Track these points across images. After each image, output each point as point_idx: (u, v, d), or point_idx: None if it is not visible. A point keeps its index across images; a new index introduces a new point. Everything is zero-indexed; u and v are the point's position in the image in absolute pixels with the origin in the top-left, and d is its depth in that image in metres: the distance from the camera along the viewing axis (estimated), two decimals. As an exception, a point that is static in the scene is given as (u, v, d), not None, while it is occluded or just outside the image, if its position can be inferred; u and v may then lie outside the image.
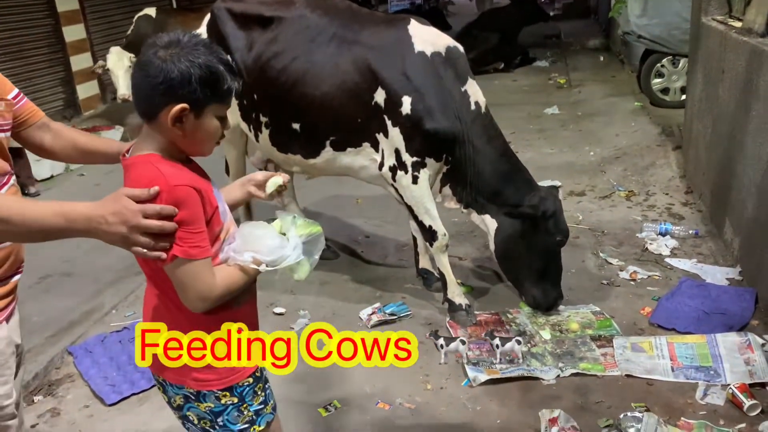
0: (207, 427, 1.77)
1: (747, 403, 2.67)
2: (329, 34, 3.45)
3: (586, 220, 4.79)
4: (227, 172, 4.40)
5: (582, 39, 12.75)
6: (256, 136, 3.82)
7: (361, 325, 3.59)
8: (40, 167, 6.51)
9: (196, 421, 1.78)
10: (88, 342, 3.60)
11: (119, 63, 7.56)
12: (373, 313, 3.63)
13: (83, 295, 4.19)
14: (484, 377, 3.01)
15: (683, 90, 7.13)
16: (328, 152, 3.57)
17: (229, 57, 1.64)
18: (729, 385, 2.81)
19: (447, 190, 3.57)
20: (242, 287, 1.65)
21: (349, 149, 3.53)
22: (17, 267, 1.90)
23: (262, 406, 1.81)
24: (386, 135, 3.39)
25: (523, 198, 3.40)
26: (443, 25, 13.05)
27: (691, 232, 4.40)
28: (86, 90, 9.10)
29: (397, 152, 3.38)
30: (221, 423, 1.75)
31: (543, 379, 3.01)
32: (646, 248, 4.27)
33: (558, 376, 3.03)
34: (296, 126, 3.56)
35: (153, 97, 1.55)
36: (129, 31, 8.22)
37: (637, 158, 5.94)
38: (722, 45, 4.36)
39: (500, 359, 3.09)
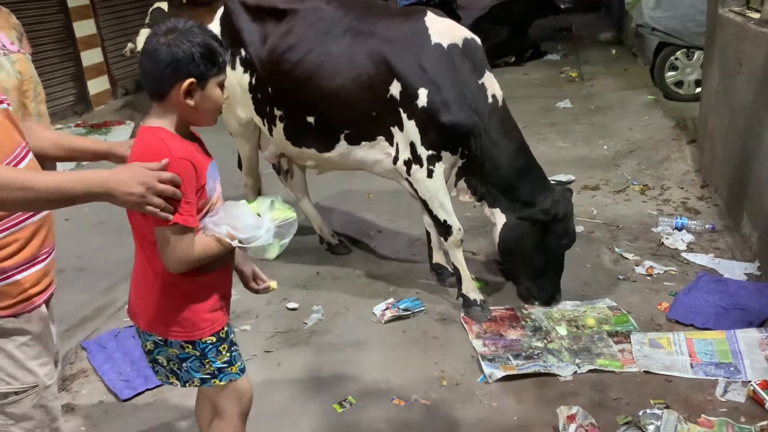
0: (174, 368, 2.04)
1: (769, 400, 2.63)
2: (344, 27, 3.42)
3: (601, 214, 4.74)
4: (239, 167, 4.38)
5: (593, 32, 12.64)
6: (270, 130, 3.79)
7: (375, 320, 3.57)
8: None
9: (165, 363, 2.06)
10: (101, 337, 3.60)
11: None
12: (386, 308, 3.61)
13: (96, 290, 4.18)
14: (500, 373, 2.98)
15: (698, 83, 7.05)
16: (342, 146, 3.54)
17: (218, 35, 1.88)
18: (750, 381, 2.77)
19: (462, 183, 3.54)
20: (216, 256, 1.88)
21: (363, 143, 3.50)
22: (51, 245, 1.94)
23: (226, 365, 2.04)
24: (401, 128, 3.35)
25: (536, 196, 3.37)
26: (453, 18, 12.92)
27: (707, 226, 4.35)
28: (97, 85, 9.10)
29: (412, 146, 3.35)
30: (185, 368, 2.02)
31: (560, 376, 2.98)
32: (662, 243, 4.22)
33: (575, 372, 2.99)
34: (311, 119, 3.53)
35: (163, 78, 1.78)
36: (147, 21, 8.26)
37: (652, 152, 5.88)
38: (740, 37, 4.30)
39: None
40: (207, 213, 1.90)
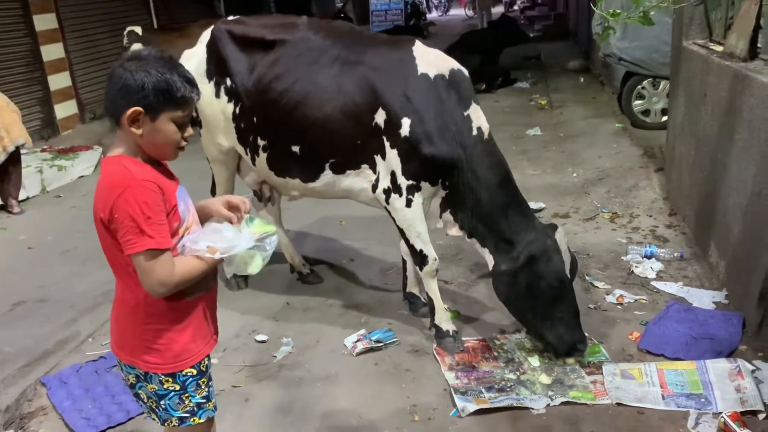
0: (153, 406, 2.02)
1: (739, 432, 2.63)
2: (332, 56, 3.41)
3: (572, 242, 4.73)
4: (213, 193, 4.27)
5: (562, 60, 12.88)
6: (253, 160, 3.74)
7: (347, 353, 3.51)
8: (14, 189, 6.36)
9: (145, 399, 2.03)
10: (62, 372, 3.48)
11: None
12: (358, 340, 3.55)
13: (58, 322, 4.06)
14: (473, 407, 2.94)
15: (664, 112, 7.20)
16: (327, 175, 3.50)
17: (187, 70, 1.87)
18: (721, 413, 2.77)
19: (447, 215, 3.47)
20: (199, 276, 1.87)
21: (348, 171, 3.46)
22: None
23: (204, 400, 2.04)
24: (383, 157, 3.33)
25: (516, 235, 3.24)
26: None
27: (676, 254, 4.40)
28: (64, 109, 8.98)
29: (392, 174, 3.32)
30: (164, 406, 1.99)
31: (533, 409, 2.95)
32: (632, 271, 4.25)
33: (548, 405, 2.96)
34: (296, 149, 3.49)
35: (115, 101, 1.81)
36: (125, 42, 8.33)
37: (620, 180, 5.96)
38: (704, 69, 4.40)
39: None
40: (183, 235, 1.90)
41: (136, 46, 7.66)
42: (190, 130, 1.91)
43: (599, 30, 8.18)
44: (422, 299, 3.83)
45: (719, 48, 4.40)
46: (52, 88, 8.77)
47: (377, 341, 3.53)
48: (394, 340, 3.57)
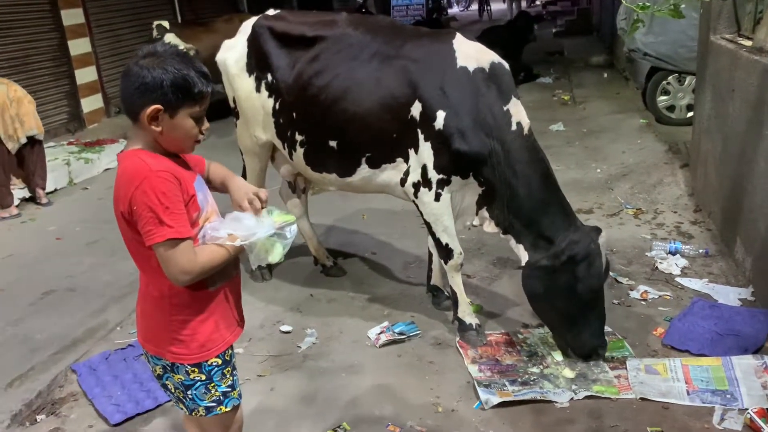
0: (180, 397, 2.05)
1: (766, 428, 2.61)
2: (372, 51, 3.42)
3: (595, 238, 4.74)
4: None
5: (585, 56, 12.76)
6: (290, 154, 3.78)
7: (370, 344, 3.54)
8: (43, 180, 6.49)
9: (172, 389, 2.06)
10: (92, 360, 3.55)
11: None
12: (381, 332, 3.58)
13: (87, 311, 4.14)
14: (496, 399, 2.95)
15: (689, 107, 7.12)
16: (363, 169, 3.51)
17: (202, 65, 1.88)
18: (747, 409, 2.75)
19: (484, 212, 3.42)
20: (222, 263, 1.88)
21: (384, 165, 3.47)
22: None
23: (230, 389, 2.07)
24: (416, 150, 3.33)
25: (556, 233, 3.15)
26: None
27: (701, 251, 4.36)
28: (91, 103, 9.11)
29: (423, 168, 3.32)
30: (191, 396, 2.02)
31: (556, 402, 2.95)
32: (656, 267, 4.22)
33: (571, 399, 2.97)
34: (333, 144, 3.51)
35: (133, 99, 1.81)
36: (155, 35, 8.34)
37: (644, 176, 5.91)
38: (732, 64, 4.34)
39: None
40: (204, 225, 1.92)
41: (168, 37, 7.76)
42: (206, 124, 1.93)
43: (624, 25, 8.11)
44: (445, 293, 3.84)
45: (748, 43, 4.34)
46: (79, 82, 8.90)
47: (400, 333, 3.55)
48: (417, 332, 3.59)
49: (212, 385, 2.03)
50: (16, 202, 6.16)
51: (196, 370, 1.99)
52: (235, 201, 2.01)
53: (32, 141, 6.12)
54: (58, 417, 3.14)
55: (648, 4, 2.33)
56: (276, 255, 1.93)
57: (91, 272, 4.71)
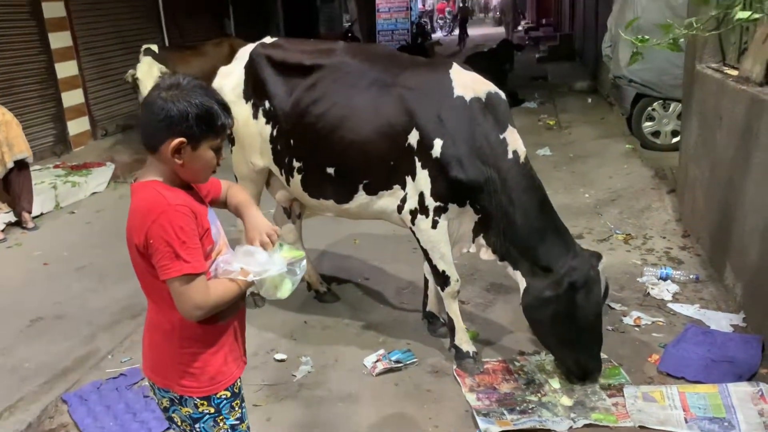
0: (188, 430, 2.02)
1: (765, 456, 2.63)
2: (370, 80, 3.44)
3: (586, 263, 4.77)
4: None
5: (568, 81, 12.96)
6: (287, 180, 3.78)
7: (366, 373, 3.52)
8: (28, 204, 6.40)
9: (179, 423, 2.04)
10: (83, 389, 3.49)
11: (149, 73, 7.65)
12: (377, 360, 3.56)
13: (77, 339, 4.07)
14: (495, 429, 2.94)
15: (674, 133, 7.26)
16: (361, 196, 3.53)
17: (223, 97, 1.90)
18: (745, 437, 2.77)
19: (481, 240, 3.45)
20: (233, 299, 1.89)
21: (381, 192, 3.48)
22: None
23: (238, 422, 2.06)
24: (413, 177, 3.35)
25: (555, 261, 3.19)
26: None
27: (691, 276, 4.41)
28: (77, 126, 9.04)
29: (420, 195, 3.34)
30: (199, 429, 2.00)
31: (555, 431, 2.95)
32: (648, 293, 4.26)
33: (570, 427, 2.97)
34: (330, 170, 3.53)
35: (156, 131, 1.81)
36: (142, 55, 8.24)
37: (633, 201, 5.98)
38: (719, 92, 4.44)
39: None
40: (216, 259, 1.92)
41: (145, 61, 7.74)
42: (223, 154, 1.94)
43: (609, 52, 8.27)
44: (441, 319, 3.84)
45: (734, 72, 4.44)
46: (66, 105, 8.82)
47: (397, 361, 3.54)
48: (414, 360, 3.58)
49: (221, 418, 2.01)
50: (2, 226, 6.07)
51: (206, 403, 1.98)
52: (248, 237, 2.01)
53: (20, 164, 6.05)
54: (49, 449, 3.08)
55: (647, 37, 2.39)
56: (285, 291, 1.93)
57: (80, 298, 4.64)
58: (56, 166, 7.81)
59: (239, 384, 2.07)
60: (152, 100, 1.81)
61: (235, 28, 13.64)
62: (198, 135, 1.81)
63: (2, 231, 6.03)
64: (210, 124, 1.82)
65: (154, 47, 8.20)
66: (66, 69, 8.85)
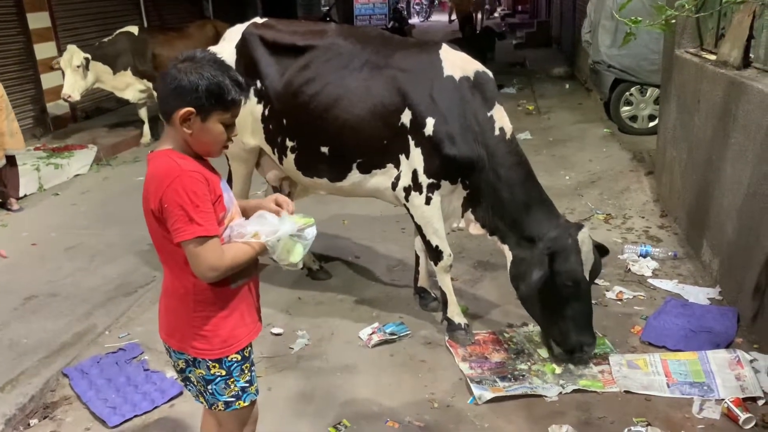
0: (201, 390, 2.13)
1: (742, 416, 2.80)
2: (362, 61, 3.53)
3: (569, 242, 4.93)
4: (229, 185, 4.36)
5: (546, 67, 13.13)
6: (281, 160, 3.85)
7: (362, 345, 3.63)
8: (12, 186, 6.37)
9: (195, 382, 2.14)
10: (83, 364, 3.54)
11: (68, 61, 7.60)
12: (373, 332, 3.67)
13: (73, 316, 4.11)
14: (489, 395, 3.08)
15: (651, 118, 7.46)
16: (354, 175, 3.61)
17: (237, 74, 1.96)
18: (723, 399, 2.94)
19: (469, 215, 3.58)
20: (247, 261, 1.97)
21: (374, 170, 3.58)
22: None
23: (248, 384, 2.14)
24: (407, 155, 3.45)
25: (541, 233, 3.30)
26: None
27: (670, 253, 4.59)
28: (57, 108, 8.94)
29: (414, 173, 3.45)
30: (211, 390, 2.10)
31: (546, 396, 3.09)
32: (629, 269, 4.43)
33: (560, 393, 3.11)
34: (324, 150, 3.60)
35: (168, 100, 1.91)
36: (106, 40, 8.14)
37: (612, 183, 6.16)
38: (698, 76, 4.60)
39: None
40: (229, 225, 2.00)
41: (70, 48, 7.65)
42: (235, 130, 2.02)
43: (588, 38, 8.43)
44: (432, 294, 3.96)
45: (712, 57, 4.61)
46: (45, 87, 8.74)
47: (391, 333, 3.65)
48: (407, 332, 3.70)
49: (231, 380, 2.10)
50: (-14, 208, 6.04)
51: (217, 365, 2.07)
52: (264, 205, 2.11)
53: (11, 161, 6.07)
54: (54, 420, 3.13)
55: (640, 18, 2.51)
56: (296, 255, 2.02)
57: (73, 277, 4.66)
58: (37, 148, 7.74)
59: (249, 348, 2.15)
60: (167, 71, 1.90)
61: (213, 11, 13.53)
62: (207, 107, 1.88)
63: (-13, 213, 6.00)
64: (219, 98, 1.89)
65: (134, 29, 8.14)
66: (45, 50, 8.74)
